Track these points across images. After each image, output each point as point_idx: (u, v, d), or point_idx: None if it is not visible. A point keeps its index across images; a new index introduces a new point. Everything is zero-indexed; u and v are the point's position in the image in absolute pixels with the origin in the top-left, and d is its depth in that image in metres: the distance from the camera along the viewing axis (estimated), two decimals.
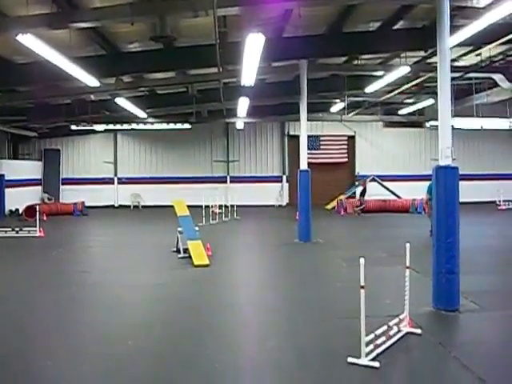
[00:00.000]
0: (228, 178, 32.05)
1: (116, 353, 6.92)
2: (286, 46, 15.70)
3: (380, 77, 19.70)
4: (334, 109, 27.52)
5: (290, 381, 6.09)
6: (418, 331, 7.37)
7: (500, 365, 6.43)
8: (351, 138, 32.51)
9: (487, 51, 17.67)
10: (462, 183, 27.46)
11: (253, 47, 11.43)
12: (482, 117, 26.95)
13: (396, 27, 15.81)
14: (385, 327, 6.88)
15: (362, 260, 6.16)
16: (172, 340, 7.52)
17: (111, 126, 26.56)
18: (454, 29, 12.99)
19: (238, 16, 12.55)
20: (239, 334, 7.88)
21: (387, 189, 29.67)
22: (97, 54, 15.28)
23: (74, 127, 25.96)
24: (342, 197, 29.00)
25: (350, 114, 28.50)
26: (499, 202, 28.69)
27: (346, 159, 32.23)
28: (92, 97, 21.96)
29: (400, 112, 29.82)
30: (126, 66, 15.93)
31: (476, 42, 15.62)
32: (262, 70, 18.16)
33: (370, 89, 21.14)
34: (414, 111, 28.69)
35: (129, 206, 31.05)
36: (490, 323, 8.17)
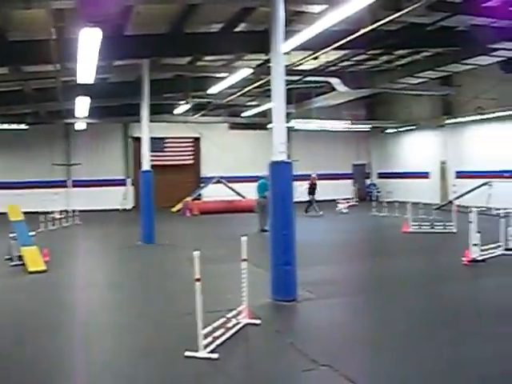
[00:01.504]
0: (69, 181, 30.85)
1: None
2: (127, 44, 15.35)
3: (223, 78, 19.94)
4: (179, 110, 27.48)
5: (127, 380, 5.93)
6: (257, 322, 7.51)
7: (331, 346, 6.73)
8: (196, 140, 32.65)
9: (325, 56, 18.48)
10: (304, 183, 28.20)
11: (89, 43, 11.03)
12: (321, 119, 28.28)
13: (238, 29, 16.06)
14: (223, 319, 6.94)
15: (195, 253, 6.23)
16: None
17: None
18: (291, 33, 13.47)
19: (76, 10, 12.11)
20: (76, 336, 7.54)
21: (232, 189, 30.13)
22: None
23: None
24: (188, 199, 29.00)
25: (195, 116, 28.65)
26: (339, 199, 30.09)
27: (192, 161, 32.34)
28: None
29: (244, 114, 30.44)
30: None
31: (313, 47, 16.25)
32: (103, 69, 17.66)
33: (214, 90, 21.34)
34: (257, 113, 29.41)
35: None
36: (324, 310, 8.53)
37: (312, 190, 25.05)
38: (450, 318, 7.81)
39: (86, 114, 23.90)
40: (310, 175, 25.33)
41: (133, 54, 15.99)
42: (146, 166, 16.86)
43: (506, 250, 12.70)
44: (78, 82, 15.12)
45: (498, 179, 23.50)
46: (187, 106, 26.05)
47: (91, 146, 30.84)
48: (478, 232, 11.71)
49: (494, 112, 24.91)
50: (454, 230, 16.72)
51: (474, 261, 11.67)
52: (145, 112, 17.28)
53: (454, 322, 7.62)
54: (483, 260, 11.77)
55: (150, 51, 15.88)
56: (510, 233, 12.97)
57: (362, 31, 13.40)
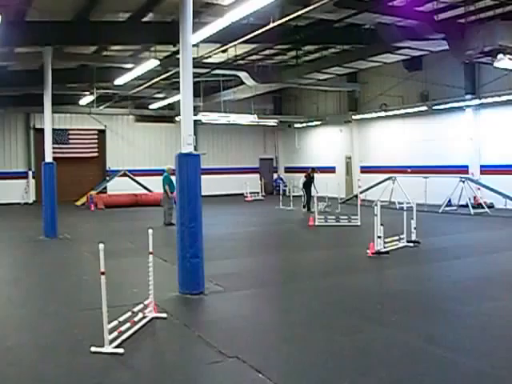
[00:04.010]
0: None
1: None
2: (29, 30, 14.79)
3: (130, 69, 19.56)
4: (83, 101, 26.74)
5: (32, 377, 5.64)
6: (164, 315, 7.40)
7: (239, 338, 6.70)
8: (101, 132, 31.87)
9: (233, 50, 18.48)
10: (213, 177, 28.38)
11: None
12: (229, 113, 28.30)
13: (145, 19, 15.79)
14: (129, 314, 6.77)
15: (101, 246, 6.00)
16: None
17: None
18: (200, 25, 13.39)
19: None
20: None
21: (139, 183, 29.66)
22: None
23: None
24: (93, 192, 28.22)
25: (100, 108, 28.00)
26: (246, 193, 30.35)
27: (97, 154, 31.54)
28: None
29: (151, 106, 30.06)
30: None
31: (222, 40, 16.21)
32: (4, 56, 16.92)
33: (120, 81, 20.91)
34: (165, 106, 29.11)
35: None
36: (231, 302, 8.51)
37: (308, 184, 22.80)
38: (352, 307, 7.98)
39: None
40: (218, 169, 25.28)
41: (34, 41, 15.39)
42: (48, 158, 16.25)
43: (408, 241, 13.13)
44: None
45: (402, 174, 24.31)
46: (92, 97, 25.37)
47: None
48: (382, 225, 12.04)
49: (397, 109, 25.77)
50: (359, 223, 17.13)
51: (379, 253, 11.97)
52: (47, 102, 16.60)
53: (356, 310, 7.78)
54: (387, 252, 12.10)
55: (53, 38, 15.32)
56: (413, 225, 13.42)
57: (270, 25, 13.48)
